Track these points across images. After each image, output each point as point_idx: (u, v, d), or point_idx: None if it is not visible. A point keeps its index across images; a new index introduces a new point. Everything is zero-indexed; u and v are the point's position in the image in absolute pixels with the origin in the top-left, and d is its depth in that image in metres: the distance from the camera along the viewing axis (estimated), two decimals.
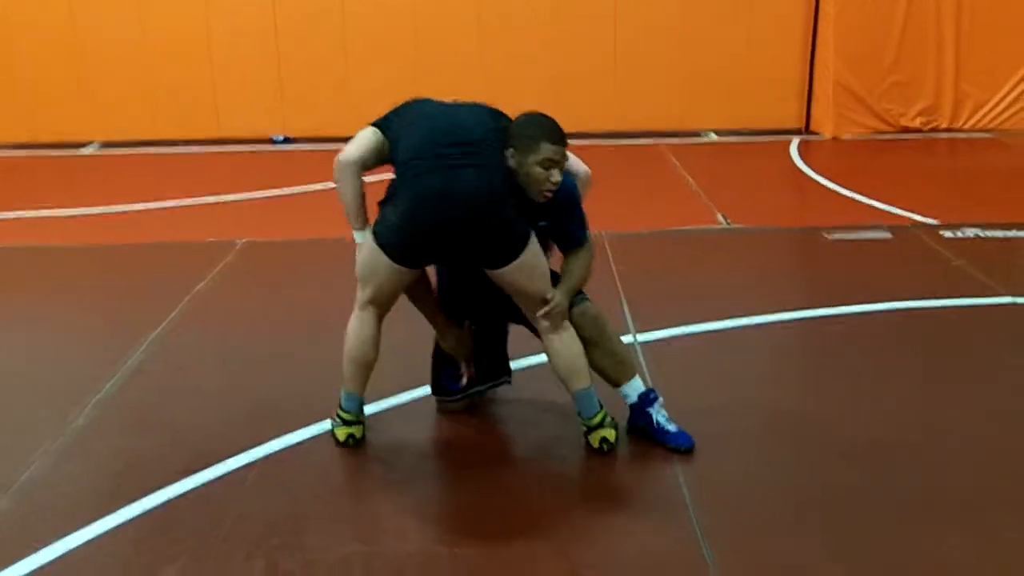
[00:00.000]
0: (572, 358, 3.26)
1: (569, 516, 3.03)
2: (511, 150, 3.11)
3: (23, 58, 9.23)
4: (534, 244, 3.18)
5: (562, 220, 3.28)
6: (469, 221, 3.05)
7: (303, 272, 5.40)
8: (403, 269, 3.20)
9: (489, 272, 3.22)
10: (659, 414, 3.32)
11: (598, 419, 3.32)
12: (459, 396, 3.59)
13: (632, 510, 3.08)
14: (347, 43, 9.24)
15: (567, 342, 3.26)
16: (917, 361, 4.12)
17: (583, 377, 3.29)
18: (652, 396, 3.34)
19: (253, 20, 9.15)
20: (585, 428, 3.35)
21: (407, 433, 3.54)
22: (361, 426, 3.45)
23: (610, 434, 3.33)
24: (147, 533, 2.95)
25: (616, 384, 3.36)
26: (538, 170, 3.07)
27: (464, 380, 3.54)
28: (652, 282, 5.13)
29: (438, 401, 3.64)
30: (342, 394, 3.43)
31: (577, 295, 3.31)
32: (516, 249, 3.13)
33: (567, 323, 3.27)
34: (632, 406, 3.37)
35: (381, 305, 3.32)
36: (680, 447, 3.27)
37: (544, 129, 3.10)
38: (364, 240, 3.23)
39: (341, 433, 3.43)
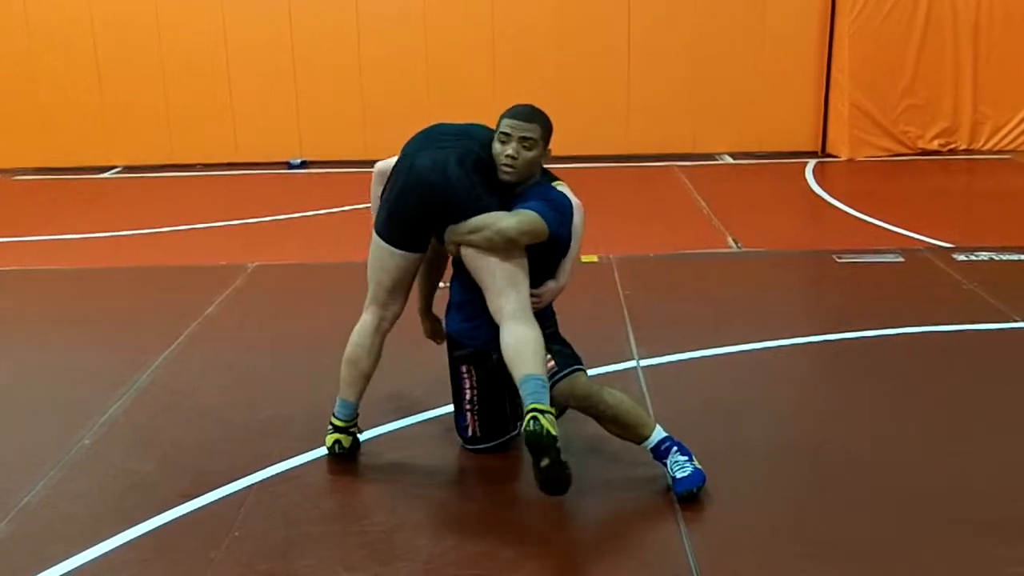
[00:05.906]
0: (521, 343, 3.04)
1: (563, 545, 3.03)
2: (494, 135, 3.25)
3: (47, 85, 9.43)
4: None
5: (526, 199, 3.22)
6: (431, 190, 3.15)
7: (311, 295, 5.44)
8: (398, 253, 3.27)
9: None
10: (673, 463, 3.23)
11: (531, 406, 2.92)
12: (471, 447, 3.56)
13: (629, 538, 3.07)
14: (363, 68, 9.36)
15: (524, 331, 3.07)
16: (921, 387, 4.07)
17: (527, 364, 2.99)
18: (664, 447, 3.25)
19: (271, 46, 9.30)
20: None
21: (403, 460, 3.55)
22: (351, 436, 3.48)
23: (546, 423, 2.87)
24: (147, 554, 2.99)
25: (635, 443, 3.29)
26: (496, 145, 3.20)
27: (470, 432, 3.53)
28: (658, 306, 5.12)
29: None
30: (337, 400, 3.47)
31: (567, 364, 3.25)
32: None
33: (530, 318, 3.14)
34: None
35: (382, 304, 3.37)
36: (679, 493, 3.16)
37: (510, 109, 3.25)
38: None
39: (329, 439, 3.47)
